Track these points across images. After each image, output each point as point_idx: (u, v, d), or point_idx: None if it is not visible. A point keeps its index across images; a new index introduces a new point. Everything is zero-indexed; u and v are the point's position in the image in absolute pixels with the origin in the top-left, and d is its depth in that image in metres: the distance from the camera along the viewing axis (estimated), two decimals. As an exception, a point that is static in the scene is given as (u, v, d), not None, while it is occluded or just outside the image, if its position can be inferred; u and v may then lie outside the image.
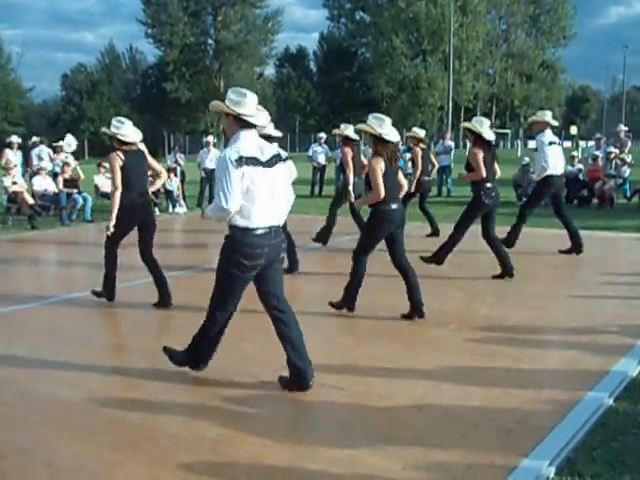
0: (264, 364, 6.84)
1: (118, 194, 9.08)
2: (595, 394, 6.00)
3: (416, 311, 8.69)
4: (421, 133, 16.11)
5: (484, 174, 10.68)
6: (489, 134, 10.98)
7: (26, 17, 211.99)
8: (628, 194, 22.57)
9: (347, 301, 8.98)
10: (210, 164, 21.37)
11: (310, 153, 27.81)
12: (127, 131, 9.25)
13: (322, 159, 27.32)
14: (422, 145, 15.94)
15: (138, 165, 9.32)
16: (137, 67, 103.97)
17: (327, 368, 6.77)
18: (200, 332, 6.53)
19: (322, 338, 8.04)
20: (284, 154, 6.44)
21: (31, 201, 18.60)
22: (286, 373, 6.32)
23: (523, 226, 13.37)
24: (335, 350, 7.49)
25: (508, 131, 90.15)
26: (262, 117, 6.60)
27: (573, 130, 71.04)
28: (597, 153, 22.89)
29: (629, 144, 23.89)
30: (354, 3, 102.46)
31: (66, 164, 20.12)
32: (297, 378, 6.27)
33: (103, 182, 20.57)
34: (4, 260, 13.73)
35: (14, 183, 19.02)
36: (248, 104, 6.24)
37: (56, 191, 19.37)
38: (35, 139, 22.49)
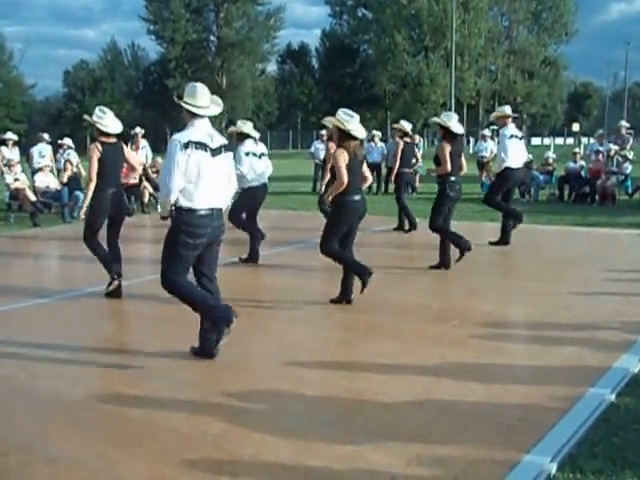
0: (266, 361, 6.84)
1: (92, 185, 9.28)
2: (596, 390, 6.00)
3: (344, 296, 9.08)
4: (407, 126, 16.18)
5: (449, 168, 10.84)
6: (458, 128, 11.22)
7: (27, 13, 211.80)
8: (630, 191, 22.56)
9: (344, 294, 9.10)
10: None
11: (312, 150, 27.78)
12: (108, 122, 9.36)
13: (324, 156, 27.27)
14: (406, 139, 15.97)
15: (115, 158, 9.48)
16: (139, 64, 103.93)
17: (329, 364, 6.79)
18: (192, 305, 6.87)
19: (324, 335, 8.06)
20: (225, 142, 6.96)
21: (33, 198, 18.59)
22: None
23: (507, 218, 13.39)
24: (337, 346, 7.49)
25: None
26: (214, 108, 7.01)
27: (575, 127, 70.99)
28: (600, 149, 22.85)
29: (631, 141, 23.84)
30: (356, 0, 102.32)
31: (68, 161, 20.12)
32: (221, 315, 6.68)
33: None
34: (6, 257, 13.73)
35: (16, 180, 19.02)
36: (200, 97, 6.83)
37: (58, 188, 19.38)
38: (39, 136, 22.49)
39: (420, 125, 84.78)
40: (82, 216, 9.53)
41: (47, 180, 19.68)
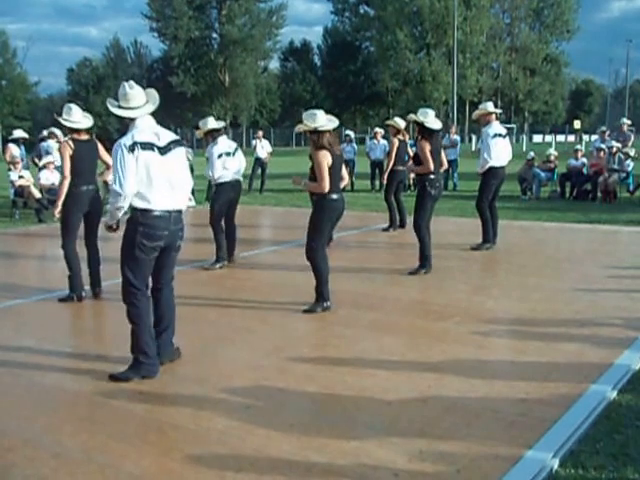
0: (270, 356, 6.87)
1: (67, 183, 9.19)
2: (598, 387, 6.02)
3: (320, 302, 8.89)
4: (401, 124, 16.01)
5: (432, 167, 10.76)
6: (434, 123, 11.14)
7: (29, 11, 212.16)
8: (631, 188, 22.55)
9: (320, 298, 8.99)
10: None
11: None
12: (76, 118, 9.29)
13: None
14: (400, 136, 15.87)
15: (88, 155, 9.38)
16: (142, 61, 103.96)
17: (332, 360, 6.82)
18: (131, 328, 6.65)
19: (327, 331, 8.08)
20: (174, 138, 6.65)
21: (38, 195, 18.63)
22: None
23: (491, 220, 13.25)
24: (341, 343, 7.51)
25: (513, 126, 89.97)
26: (149, 106, 6.67)
27: (577, 124, 70.96)
28: (602, 146, 22.84)
29: (632, 138, 23.85)
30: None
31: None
32: (144, 365, 6.47)
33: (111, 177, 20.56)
34: (11, 253, 13.77)
35: (21, 177, 19.06)
36: (132, 97, 6.51)
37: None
38: (45, 133, 22.47)
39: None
40: (57, 215, 9.40)
41: (52, 177, 19.69)
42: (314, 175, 8.68)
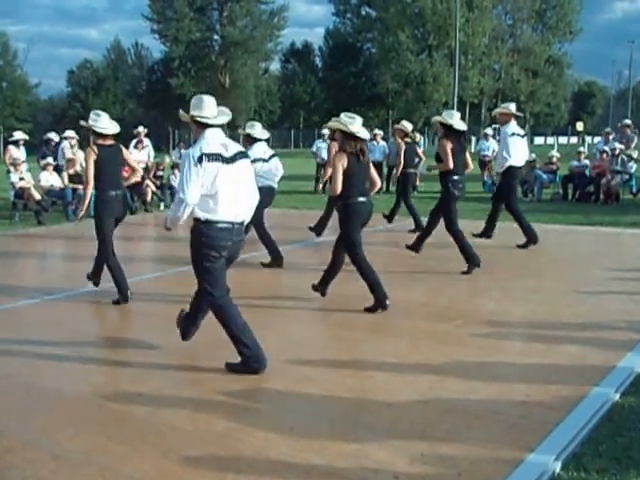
0: (269, 359, 6.84)
1: (90, 187, 9.25)
2: (601, 389, 6.00)
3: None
4: (409, 127, 16.15)
5: (451, 165, 10.78)
6: (460, 125, 11.17)
7: (30, 12, 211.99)
8: (634, 190, 22.53)
9: (322, 286, 9.22)
10: None
11: (314, 149, 27.81)
12: (105, 124, 9.34)
13: (326, 155, 27.27)
14: (407, 139, 15.94)
15: (114, 160, 9.42)
16: (143, 63, 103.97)
17: (333, 362, 6.81)
18: (193, 311, 7.08)
19: (327, 333, 8.08)
20: (240, 149, 6.78)
21: (38, 196, 18.63)
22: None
23: (493, 217, 13.49)
24: (342, 345, 7.50)
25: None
26: (222, 118, 6.82)
27: (579, 126, 70.90)
28: (605, 148, 22.82)
29: (635, 140, 23.82)
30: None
31: (70, 160, 20.13)
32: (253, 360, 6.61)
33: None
34: (11, 255, 13.77)
35: (21, 179, 19.05)
36: (206, 107, 6.66)
37: (62, 187, 19.40)
38: (51, 135, 22.43)
39: (421, 123, 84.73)
40: (80, 215, 9.46)
41: (52, 179, 19.69)
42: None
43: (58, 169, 20.54)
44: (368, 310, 8.71)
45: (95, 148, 9.19)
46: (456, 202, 11.13)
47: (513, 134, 12.93)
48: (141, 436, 5.21)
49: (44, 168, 19.88)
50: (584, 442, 5.00)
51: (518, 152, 12.99)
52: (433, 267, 11.21)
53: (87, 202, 9.44)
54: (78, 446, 5.05)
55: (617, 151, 22.31)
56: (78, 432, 5.30)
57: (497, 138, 21.06)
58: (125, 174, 10.07)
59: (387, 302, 8.68)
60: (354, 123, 8.51)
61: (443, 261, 11.34)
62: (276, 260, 11.77)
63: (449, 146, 10.90)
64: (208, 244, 6.43)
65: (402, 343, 7.43)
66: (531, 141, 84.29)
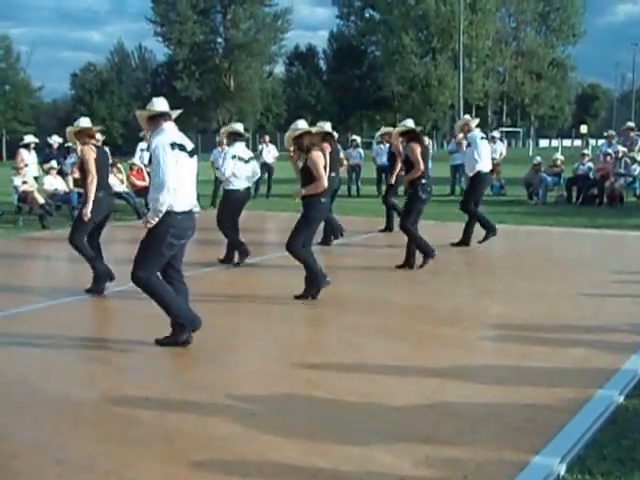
0: (275, 362, 6.85)
1: (94, 184, 9.59)
2: (605, 392, 6.00)
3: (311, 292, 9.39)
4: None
5: (422, 168, 10.89)
6: (416, 126, 11.64)
7: (32, 15, 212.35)
8: (638, 192, 22.51)
9: (307, 291, 9.42)
10: None
11: (320, 152, 27.74)
12: (87, 122, 9.80)
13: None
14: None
15: (104, 161, 9.82)
16: (147, 66, 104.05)
17: (338, 366, 6.80)
18: (159, 304, 7.33)
19: (334, 337, 8.07)
20: (193, 145, 7.33)
21: (42, 200, 18.63)
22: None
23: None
24: (345, 348, 7.49)
25: (519, 130, 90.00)
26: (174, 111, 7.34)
27: (583, 129, 70.90)
28: (609, 150, 22.79)
29: (639, 142, 23.77)
30: (363, 1, 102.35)
31: (75, 164, 20.11)
32: (187, 322, 7.19)
33: (114, 181, 20.57)
34: (15, 259, 13.77)
35: (24, 182, 19.05)
36: (157, 103, 7.17)
37: (67, 190, 19.40)
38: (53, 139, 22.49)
39: (429, 127, 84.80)
40: (87, 216, 9.58)
41: (55, 183, 19.69)
42: (306, 179, 9.17)
43: (62, 173, 20.57)
44: (298, 297, 9.39)
45: (93, 147, 9.36)
46: (424, 205, 11.37)
47: (482, 138, 13.18)
48: (147, 440, 5.22)
49: (47, 172, 19.89)
50: (588, 445, 5.00)
51: (487, 157, 13.35)
52: (436, 270, 11.20)
53: (92, 200, 9.56)
54: (83, 451, 5.06)
55: (620, 154, 22.28)
56: (83, 436, 5.30)
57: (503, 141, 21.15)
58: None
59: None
60: (297, 126, 9.38)
61: (446, 264, 11.33)
62: (228, 259, 12.08)
63: (418, 149, 11.05)
64: (174, 234, 6.88)
65: (406, 346, 7.44)
66: (536, 144, 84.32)
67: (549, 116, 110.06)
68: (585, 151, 24.65)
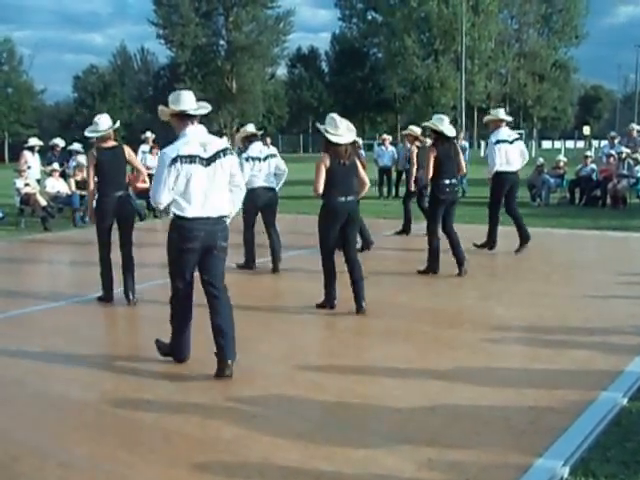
0: (278, 364, 6.84)
1: (90, 190, 9.57)
2: (609, 394, 5.98)
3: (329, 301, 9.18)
4: (417, 130, 16.15)
5: (430, 175, 10.89)
6: (450, 131, 11.23)
7: (35, 18, 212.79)
8: (641, 194, 22.52)
9: (327, 300, 9.19)
10: None
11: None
12: (102, 123, 9.52)
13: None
14: (417, 143, 15.95)
15: (115, 162, 9.54)
16: (149, 68, 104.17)
17: (341, 368, 6.80)
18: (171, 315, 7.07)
19: (336, 339, 8.06)
20: (224, 147, 6.82)
21: (44, 203, 18.64)
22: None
23: (515, 224, 13.34)
24: (349, 350, 7.48)
25: (522, 131, 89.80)
26: (202, 110, 6.92)
27: (586, 130, 70.88)
28: (611, 152, 22.77)
29: (643, 144, 23.77)
30: (366, 3, 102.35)
31: (78, 167, 20.13)
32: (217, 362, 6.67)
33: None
34: (17, 262, 13.78)
35: (26, 185, 19.06)
36: (185, 101, 6.77)
37: (69, 193, 19.41)
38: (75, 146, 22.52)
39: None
40: (92, 220, 9.61)
41: (58, 185, 19.70)
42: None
43: (64, 175, 20.59)
44: (319, 306, 9.16)
45: (94, 152, 9.36)
46: (450, 205, 11.21)
47: (498, 141, 13.05)
48: (149, 443, 5.22)
49: (50, 174, 19.90)
50: (592, 447, 4.99)
51: (506, 158, 13.12)
52: (441, 272, 11.18)
53: (92, 205, 9.53)
54: (85, 453, 5.05)
55: (624, 155, 22.26)
56: (86, 439, 5.30)
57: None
58: (137, 182, 10.19)
59: (335, 302, 9.13)
60: (334, 129, 8.86)
61: (450, 266, 11.29)
62: (248, 265, 11.99)
63: (433, 154, 10.99)
64: (180, 235, 6.59)
65: (410, 348, 7.42)
66: (538, 145, 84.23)
67: (552, 118, 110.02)
68: (588, 153, 24.63)
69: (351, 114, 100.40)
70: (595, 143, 67.86)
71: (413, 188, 15.10)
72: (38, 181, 20.23)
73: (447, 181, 10.99)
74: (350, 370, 6.76)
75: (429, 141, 16.08)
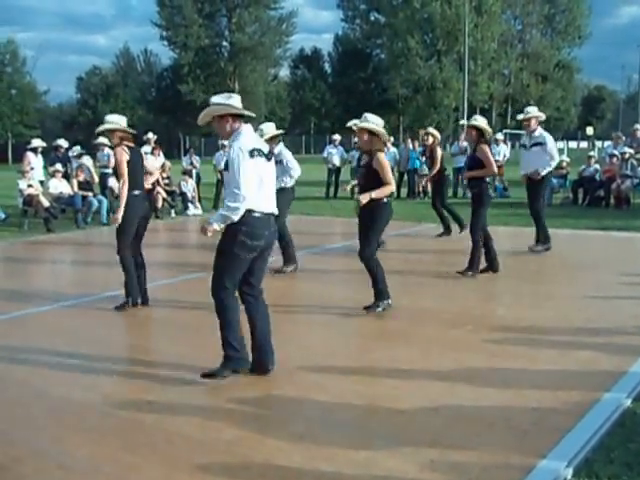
0: (280, 365, 6.82)
1: (126, 188, 9.15)
2: (612, 395, 5.96)
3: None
4: (437, 134, 16.34)
5: (495, 169, 10.78)
6: (489, 130, 11.31)
7: (38, 20, 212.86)
8: (644, 193, 22.49)
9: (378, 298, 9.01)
10: None
11: (325, 155, 27.81)
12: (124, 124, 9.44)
13: (337, 161, 27.28)
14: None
15: (138, 162, 9.44)
16: (152, 69, 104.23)
17: (343, 369, 6.78)
18: (220, 326, 6.57)
19: (340, 340, 8.04)
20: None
21: (47, 204, 18.63)
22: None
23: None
24: (352, 351, 7.48)
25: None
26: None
27: (589, 131, 70.74)
28: (615, 152, 22.74)
29: (646, 144, 23.75)
30: (368, 4, 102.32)
31: (79, 167, 20.12)
32: (257, 364, 6.64)
33: (116, 184, 20.55)
34: (20, 263, 13.79)
35: (29, 186, 19.05)
36: (236, 100, 6.69)
37: (71, 193, 19.40)
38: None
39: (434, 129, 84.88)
40: (118, 220, 9.11)
41: (60, 186, 19.70)
42: (368, 181, 8.88)
43: (67, 176, 20.59)
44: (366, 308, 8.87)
45: (126, 149, 9.13)
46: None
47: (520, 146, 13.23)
48: (150, 445, 5.20)
49: (53, 175, 19.90)
50: (596, 448, 4.96)
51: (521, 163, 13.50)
52: (444, 273, 11.16)
53: (124, 204, 9.12)
54: (86, 455, 5.04)
55: (627, 155, 22.23)
56: (87, 441, 5.28)
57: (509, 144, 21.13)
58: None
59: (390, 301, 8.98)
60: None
61: (451, 266, 11.28)
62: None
63: (488, 149, 10.89)
64: (247, 232, 6.35)
65: (413, 349, 7.40)
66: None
67: (555, 118, 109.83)
68: (591, 153, 24.61)
69: (353, 115, 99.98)
70: (598, 143, 67.76)
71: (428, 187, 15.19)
72: (41, 182, 20.21)
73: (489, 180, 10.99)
74: (352, 371, 6.75)
75: (431, 139, 16.09)
